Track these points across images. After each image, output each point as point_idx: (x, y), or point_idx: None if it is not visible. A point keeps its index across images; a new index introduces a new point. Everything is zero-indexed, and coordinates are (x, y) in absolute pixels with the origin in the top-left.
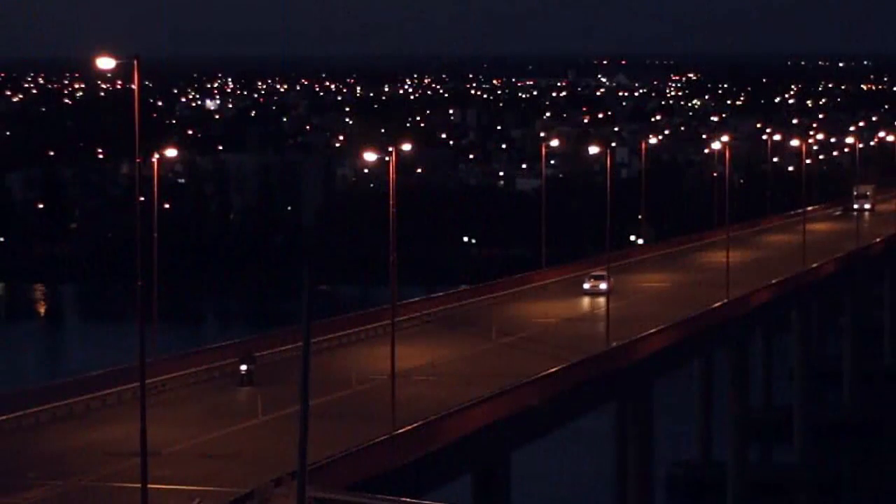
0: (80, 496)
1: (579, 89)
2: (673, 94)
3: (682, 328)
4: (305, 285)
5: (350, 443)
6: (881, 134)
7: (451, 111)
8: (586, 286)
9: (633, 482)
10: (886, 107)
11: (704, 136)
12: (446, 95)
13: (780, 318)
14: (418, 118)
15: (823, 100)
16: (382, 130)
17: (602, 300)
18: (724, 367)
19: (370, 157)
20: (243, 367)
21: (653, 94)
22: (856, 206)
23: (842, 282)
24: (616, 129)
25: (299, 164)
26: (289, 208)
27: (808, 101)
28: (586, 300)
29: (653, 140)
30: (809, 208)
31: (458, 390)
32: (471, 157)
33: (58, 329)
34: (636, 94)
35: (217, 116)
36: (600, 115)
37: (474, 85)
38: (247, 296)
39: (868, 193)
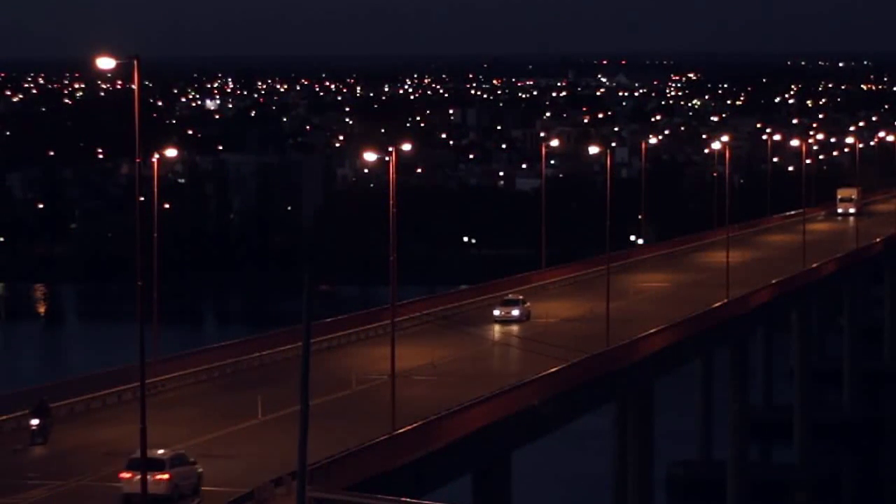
0: (80, 496)
1: (579, 89)
2: (673, 94)
3: (682, 328)
4: (305, 285)
5: (350, 443)
6: (881, 134)
7: (451, 111)
8: (497, 313)
9: (633, 482)
10: (886, 107)
11: (704, 136)
12: (446, 95)
13: (780, 318)
14: (418, 118)
15: (823, 100)
16: (382, 130)
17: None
18: (724, 366)
19: (370, 157)
20: (34, 422)
21: (653, 94)
22: (840, 211)
23: (842, 282)
24: (616, 129)
25: (299, 164)
26: (289, 208)
27: (808, 101)
28: (497, 328)
29: (653, 140)
30: (792, 212)
31: (458, 390)
32: (471, 157)
33: (58, 329)
34: (636, 94)
35: (217, 116)
36: (600, 115)
37: (474, 85)
38: (247, 296)
39: (853, 197)
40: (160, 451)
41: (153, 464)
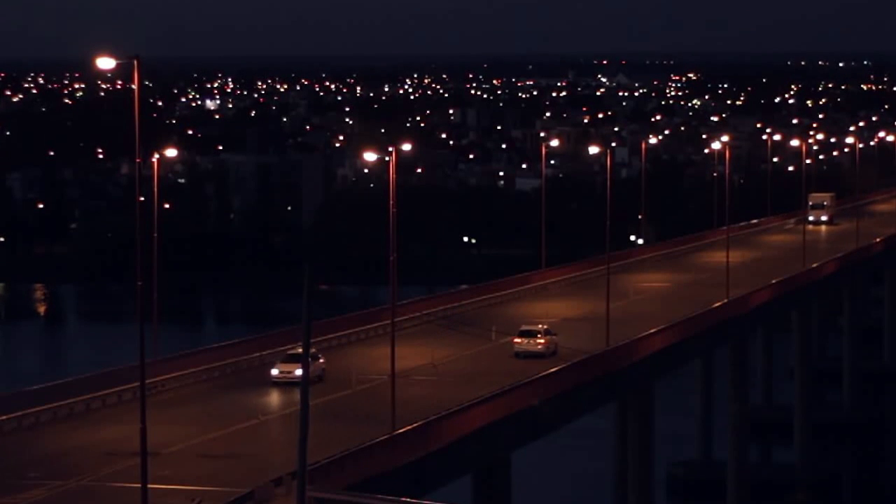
0: (80, 496)
1: (579, 89)
2: (673, 94)
3: (682, 328)
4: (305, 285)
5: (350, 443)
6: (881, 134)
7: (451, 111)
8: (275, 373)
9: (633, 482)
10: (886, 107)
11: (704, 136)
12: (446, 95)
13: (780, 318)
14: (418, 118)
15: (823, 100)
16: (382, 130)
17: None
18: (724, 366)
19: (370, 157)
20: None
21: (653, 94)
22: (811, 218)
23: (842, 282)
24: (616, 129)
25: (299, 164)
26: (289, 208)
27: (808, 101)
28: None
29: (653, 140)
30: (763, 219)
31: (458, 390)
32: (471, 157)
33: (58, 329)
34: (636, 94)
35: (217, 116)
36: (600, 115)
37: (474, 85)
38: (247, 296)
39: (826, 203)
40: (538, 325)
41: (535, 333)
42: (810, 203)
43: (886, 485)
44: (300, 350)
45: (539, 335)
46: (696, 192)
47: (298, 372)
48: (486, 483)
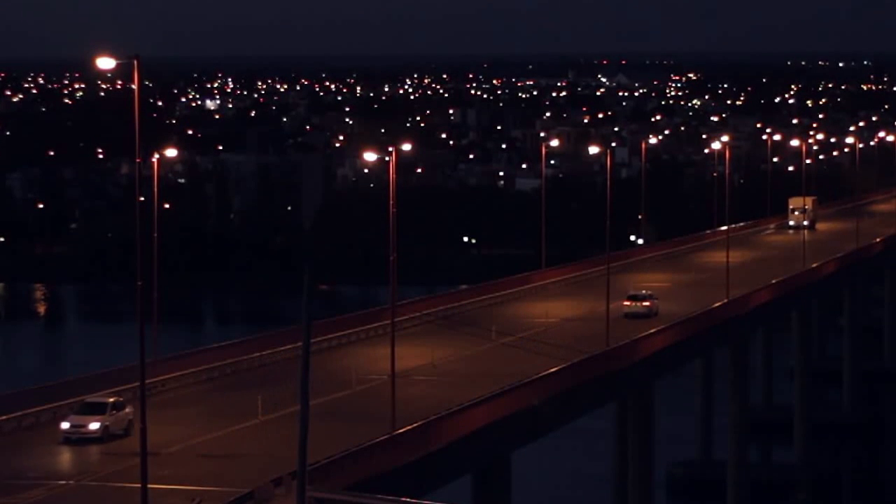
0: (80, 496)
1: (579, 89)
2: (673, 94)
3: (682, 328)
4: (305, 285)
5: (350, 443)
6: (881, 134)
7: (451, 111)
8: (65, 426)
9: (633, 482)
10: (886, 107)
11: (704, 136)
12: (446, 95)
13: (780, 318)
14: (418, 118)
15: (823, 100)
16: (382, 130)
17: None
18: (724, 366)
19: (370, 157)
20: None
21: (653, 94)
22: (791, 223)
23: (842, 282)
24: (616, 129)
25: (299, 164)
26: (289, 208)
27: (808, 101)
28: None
29: (653, 140)
30: (744, 223)
31: (458, 390)
32: (471, 157)
33: (58, 329)
34: (636, 94)
35: (217, 116)
36: (600, 115)
37: (474, 85)
38: (247, 296)
39: (806, 208)
40: (644, 291)
41: (642, 297)
42: (790, 207)
43: (886, 485)
44: (104, 398)
45: (645, 299)
46: (696, 192)
47: (93, 426)
48: (486, 483)
